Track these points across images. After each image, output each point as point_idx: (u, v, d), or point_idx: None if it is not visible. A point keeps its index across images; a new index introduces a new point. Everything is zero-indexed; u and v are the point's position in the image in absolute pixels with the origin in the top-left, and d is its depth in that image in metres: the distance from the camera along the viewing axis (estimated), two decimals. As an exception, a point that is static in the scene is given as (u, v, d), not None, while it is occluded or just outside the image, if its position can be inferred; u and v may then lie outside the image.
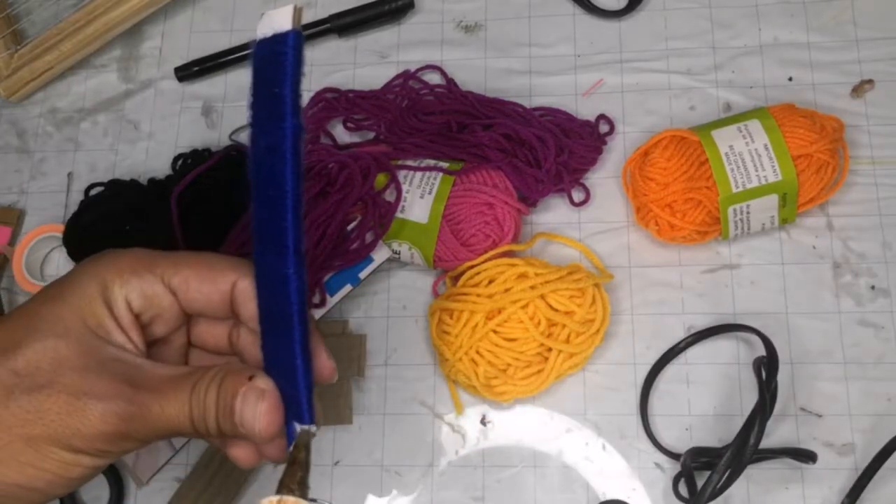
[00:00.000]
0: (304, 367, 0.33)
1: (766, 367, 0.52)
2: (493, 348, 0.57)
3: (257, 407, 0.33)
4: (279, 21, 0.32)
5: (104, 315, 0.34)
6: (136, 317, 0.35)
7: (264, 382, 0.33)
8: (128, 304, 0.35)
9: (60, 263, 0.68)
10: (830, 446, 0.56)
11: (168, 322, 0.37)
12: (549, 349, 0.57)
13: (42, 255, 0.68)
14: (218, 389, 0.33)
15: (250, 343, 0.38)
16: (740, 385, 0.58)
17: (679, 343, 0.58)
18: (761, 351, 0.54)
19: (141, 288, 0.35)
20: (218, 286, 0.36)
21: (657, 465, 0.57)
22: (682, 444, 0.56)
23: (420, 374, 0.61)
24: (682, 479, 0.53)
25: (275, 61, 0.32)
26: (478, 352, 0.57)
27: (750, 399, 0.56)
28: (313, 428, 0.33)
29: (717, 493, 0.49)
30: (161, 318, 0.36)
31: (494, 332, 0.57)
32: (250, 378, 0.33)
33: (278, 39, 0.32)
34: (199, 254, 0.37)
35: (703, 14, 0.67)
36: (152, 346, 0.37)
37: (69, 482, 0.33)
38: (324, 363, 0.36)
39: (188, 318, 0.38)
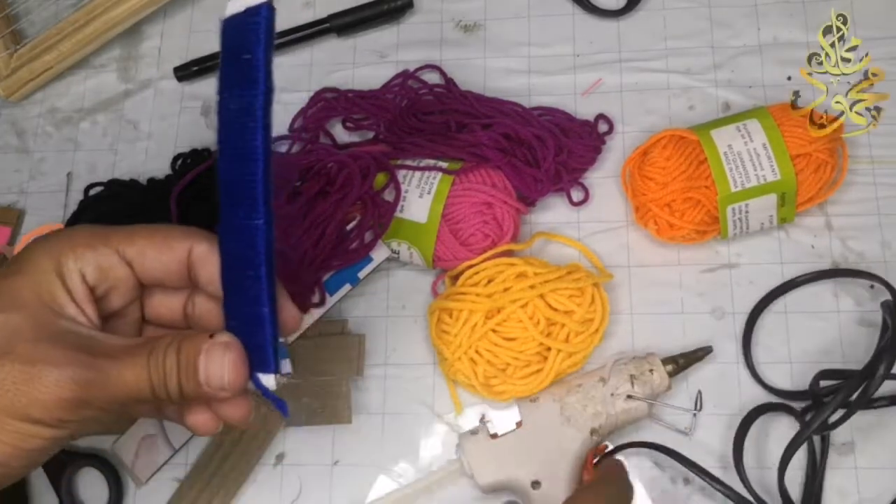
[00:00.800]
0: (271, 316, 0.34)
1: (893, 307, 0.52)
2: (492, 348, 0.57)
3: (224, 358, 0.33)
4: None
5: (58, 288, 0.34)
6: (92, 290, 0.36)
7: (226, 336, 0.34)
8: (82, 277, 0.35)
9: (60, 263, 0.68)
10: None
11: (123, 294, 0.37)
12: (549, 348, 0.57)
13: (41, 255, 0.68)
14: (177, 352, 0.34)
15: (206, 311, 0.39)
16: (740, 386, 0.58)
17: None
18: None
19: (96, 260, 0.36)
20: (175, 254, 0.37)
21: (656, 464, 0.57)
22: (681, 443, 0.56)
23: (419, 374, 0.61)
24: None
25: (246, 30, 0.33)
26: (477, 351, 0.57)
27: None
28: (278, 377, 0.34)
29: (837, 423, 0.50)
30: (116, 290, 0.37)
31: (494, 331, 0.57)
32: (211, 336, 0.34)
33: (251, 12, 0.33)
34: (154, 225, 0.38)
35: (702, 13, 0.67)
36: (107, 320, 0.37)
37: (29, 454, 0.33)
38: (290, 311, 0.37)
39: (143, 290, 0.39)
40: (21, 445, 0.32)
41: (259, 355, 0.34)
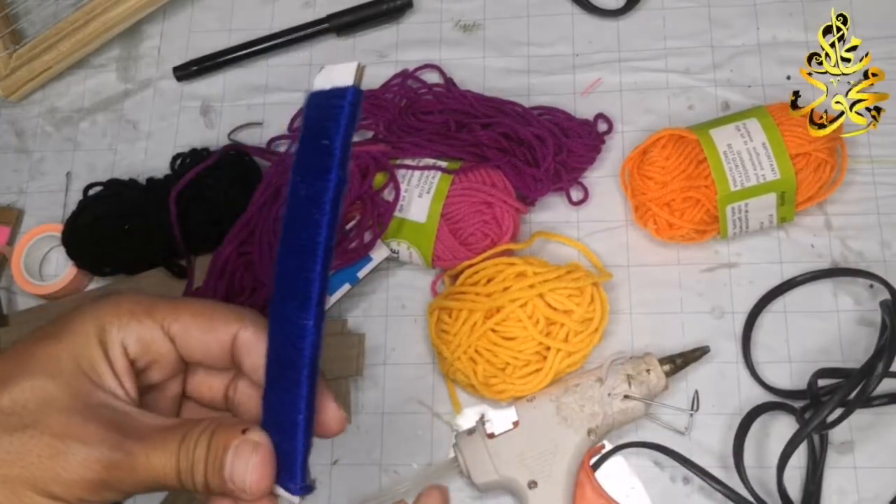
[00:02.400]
0: (306, 424, 0.32)
1: (892, 307, 0.52)
2: (491, 347, 0.57)
3: (251, 460, 0.32)
4: (340, 75, 0.32)
5: (98, 358, 0.33)
6: (132, 362, 0.34)
7: (258, 436, 0.32)
8: (124, 349, 0.34)
9: (59, 263, 0.68)
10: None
11: (164, 369, 0.36)
12: (548, 348, 0.57)
13: (41, 255, 0.68)
14: (209, 442, 0.32)
15: (247, 398, 0.37)
16: (739, 390, 0.58)
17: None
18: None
19: (139, 333, 0.34)
20: (219, 335, 0.35)
21: (656, 463, 0.57)
22: (681, 443, 0.56)
23: (419, 373, 0.61)
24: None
25: (329, 113, 0.31)
26: (476, 351, 0.57)
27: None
28: (297, 500, 0.32)
29: (835, 422, 0.50)
30: (157, 364, 0.35)
31: (493, 331, 0.57)
32: (244, 431, 0.32)
33: (336, 93, 0.31)
34: (201, 301, 0.36)
35: (701, 13, 0.67)
36: (146, 393, 0.36)
37: None
38: (332, 414, 0.35)
39: (185, 366, 0.37)
40: None
41: (287, 463, 0.32)
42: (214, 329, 0.35)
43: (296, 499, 0.32)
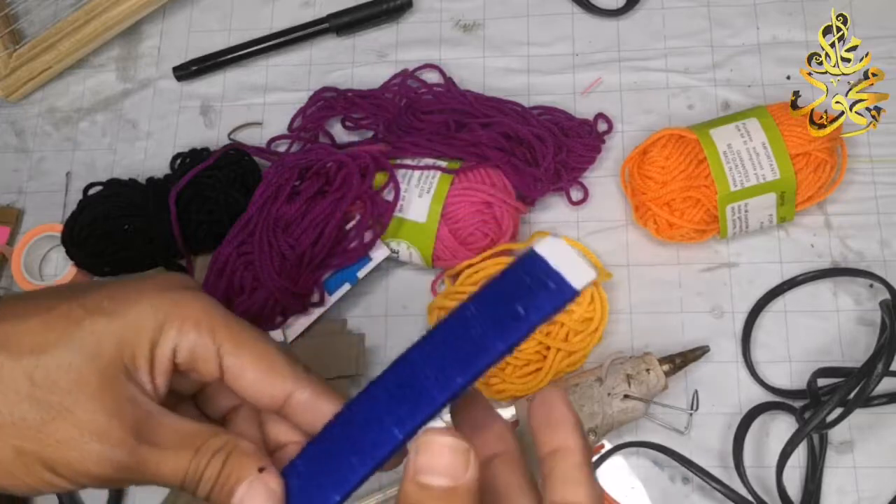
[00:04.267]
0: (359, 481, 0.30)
1: (892, 307, 0.53)
2: (491, 347, 0.57)
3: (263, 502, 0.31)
4: (572, 266, 0.29)
5: (143, 352, 0.32)
6: (175, 367, 0.33)
7: (276, 482, 0.31)
8: (174, 352, 0.33)
9: (59, 263, 0.68)
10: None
11: (201, 382, 0.35)
12: (548, 347, 0.57)
13: (41, 255, 0.68)
14: (221, 465, 0.32)
15: (281, 432, 0.35)
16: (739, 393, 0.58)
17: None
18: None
19: (195, 345, 0.33)
20: (274, 389, 0.34)
21: (655, 463, 0.57)
22: (680, 443, 0.56)
23: (419, 373, 0.61)
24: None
25: (540, 292, 0.29)
26: (476, 350, 0.57)
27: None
28: None
29: (835, 422, 0.50)
30: (198, 380, 0.35)
31: (493, 330, 0.56)
32: (260, 469, 0.31)
33: (558, 280, 0.29)
34: (265, 343, 0.34)
35: (701, 13, 0.67)
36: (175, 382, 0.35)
37: (39, 493, 0.33)
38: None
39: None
40: (38, 488, 0.32)
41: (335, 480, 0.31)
42: (272, 383, 0.33)
43: None
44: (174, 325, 0.33)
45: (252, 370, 0.33)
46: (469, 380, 0.29)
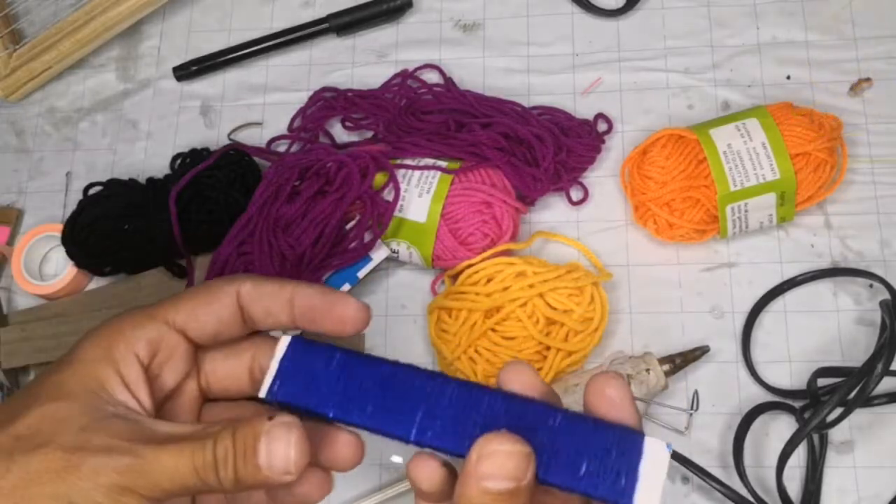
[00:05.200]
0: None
1: (892, 307, 0.52)
2: (491, 347, 0.57)
3: (290, 438, 0.32)
4: (651, 484, 0.29)
5: (107, 375, 0.34)
6: (146, 369, 0.35)
7: (288, 417, 0.32)
8: (136, 357, 0.34)
9: (59, 263, 0.68)
10: (829, 444, 0.56)
11: (178, 365, 0.36)
12: (548, 348, 0.57)
13: (41, 255, 0.68)
14: (232, 437, 0.32)
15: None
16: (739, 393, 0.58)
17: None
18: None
19: (145, 336, 0.35)
20: (223, 302, 0.36)
21: (656, 463, 0.57)
22: (680, 442, 0.56)
23: (419, 373, 0.61)
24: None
25: (609, 475, 0.29)
26: (476, 350, 0.57)
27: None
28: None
29: (835, 422, 0.50)
30: (171, 361, 0.36)
31: (493, 330, 0.57)
32: (270, 418, 0.32)
33: (630, 484, 0.28)
34: (195, 286, 0.37)
35: (701, 13, 0.67)
36: (163, 404, 0.36)
37: None
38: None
39: (201, 360, 0.37)
40: None
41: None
42: (216, 298, 0.36)
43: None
44: (119, 341, 0.34)
45: (198, 306, 0.36)
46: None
